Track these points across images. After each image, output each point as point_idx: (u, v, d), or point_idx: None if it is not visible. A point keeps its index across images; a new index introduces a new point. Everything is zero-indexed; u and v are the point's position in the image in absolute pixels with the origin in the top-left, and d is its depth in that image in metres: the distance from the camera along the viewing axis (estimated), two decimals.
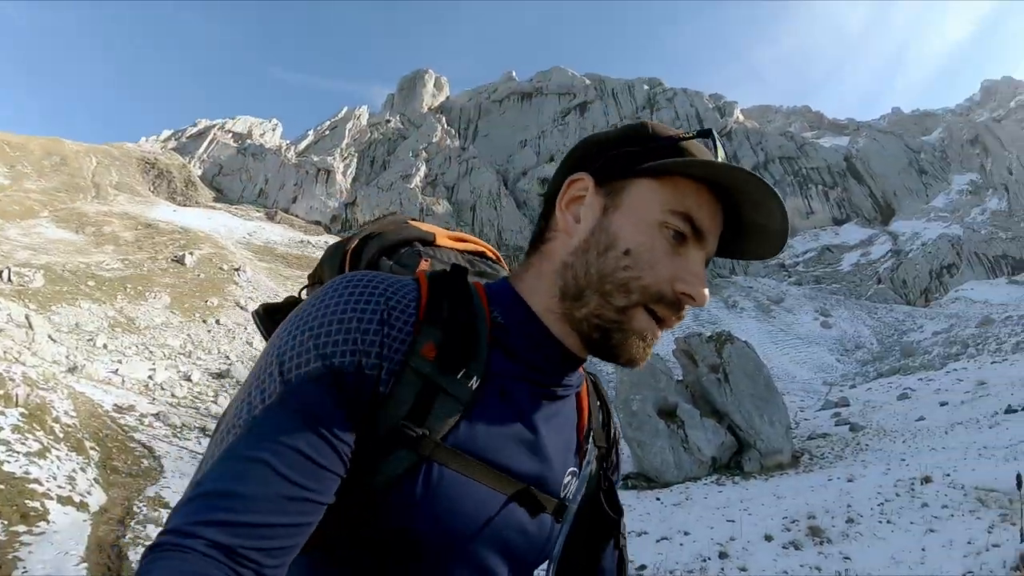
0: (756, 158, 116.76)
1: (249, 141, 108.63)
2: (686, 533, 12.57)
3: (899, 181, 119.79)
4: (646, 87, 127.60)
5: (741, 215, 0.85)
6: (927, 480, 17.23)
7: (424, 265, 0.99)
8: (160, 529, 0.67)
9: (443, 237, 1.10)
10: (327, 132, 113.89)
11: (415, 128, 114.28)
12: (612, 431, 1.07)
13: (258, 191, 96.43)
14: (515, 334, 0.86)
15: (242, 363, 27.31)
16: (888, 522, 13.52)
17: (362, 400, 0.74)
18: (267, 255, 57.10)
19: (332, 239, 76.37)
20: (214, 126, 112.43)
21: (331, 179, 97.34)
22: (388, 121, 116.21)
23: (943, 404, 32.11)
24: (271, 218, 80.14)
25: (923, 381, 42.44)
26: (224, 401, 21.62)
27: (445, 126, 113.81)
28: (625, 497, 12.94)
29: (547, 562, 0.92)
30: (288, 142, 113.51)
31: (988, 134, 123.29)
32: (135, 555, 6.64)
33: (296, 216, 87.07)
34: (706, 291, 0.83)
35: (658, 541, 12.16)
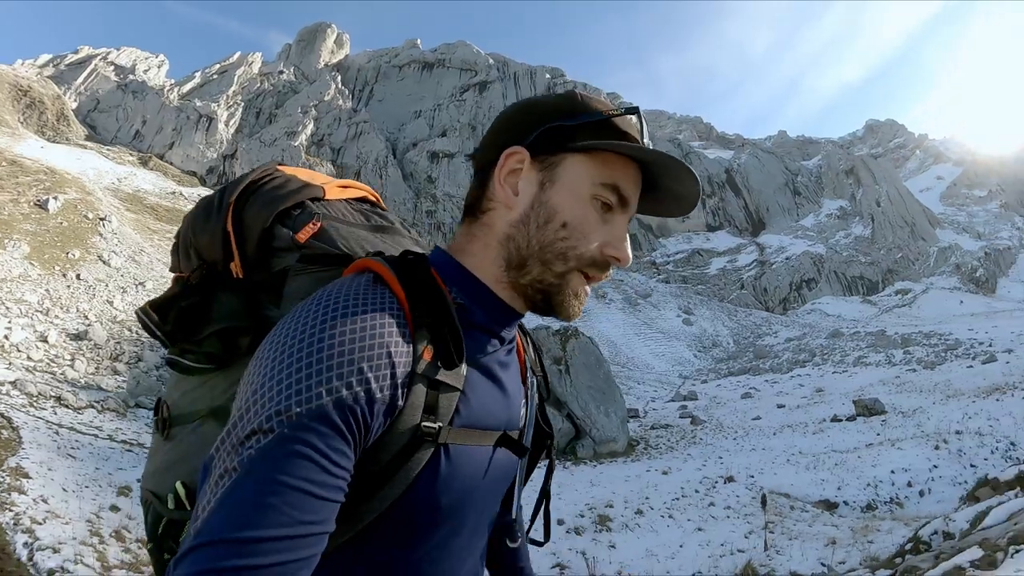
0: None
1: (132, 77, 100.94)
2: None
3: (773, 198, 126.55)
4: (548, 76, 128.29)
5: (659, 183, 0.94)
6: (730, 480, 18.36)
7: (310, 228, 1.00)
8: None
9: (331, 188, 1.11)
10: (215, 76, 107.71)
11: (308, 83, 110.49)
12: (538, 355, 1.18)
13: (134, 132, 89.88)
14: (476, 311, 0.92)
15: (100, 323, 26.82)
16: (670, 516, 14.37)
17: (371, 423, 0.75)
18: (136, 205, 54.42)
19: (206, 192, 73.89)
20: (96, 56, 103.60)
21: (213, 127, 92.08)
22: (281, 72, 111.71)
23: (780, 406, 33.86)
24: (144, 164, 75.40)
25: (768, 383, 44.98)
26: (81, 366, 21.70)
27: (339, 85, 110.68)
28: None
29: (515, 480, 1.07)
30: (173, 82, 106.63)
31: (863, 167, 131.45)
32: (2, 517, 7.95)
33: (171, 164, 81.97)
34: (629, 252, 0.92)
35: None
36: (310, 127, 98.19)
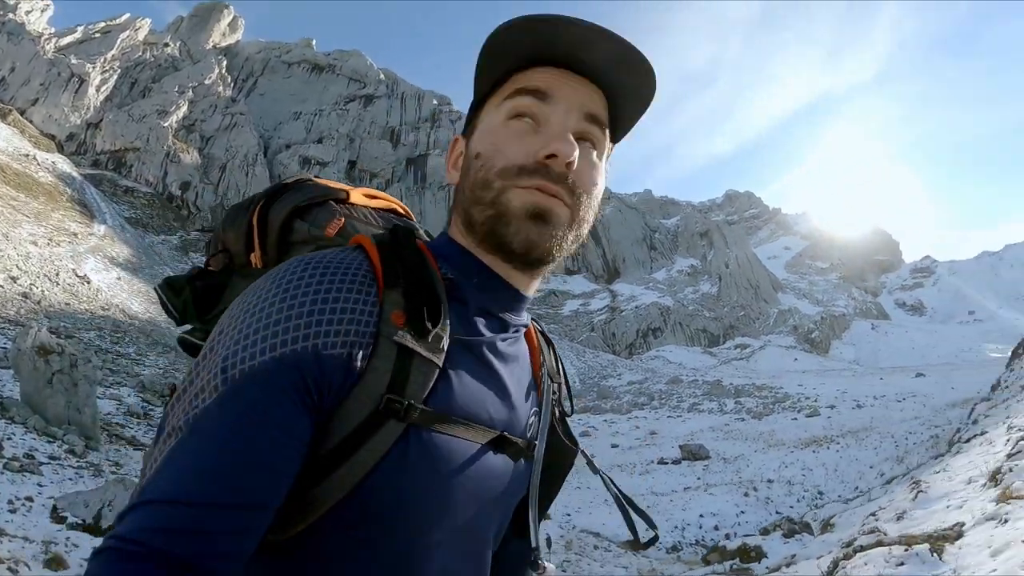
0: None
1: (11, 16, 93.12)
2: None
3: (631, 250, 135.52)
4: (435, 102, 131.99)
5: (594, 71, 0.85)
6: (546, 518, 22.85)
7: (336, 223, 0.96)
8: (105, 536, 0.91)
9: (356, 194, 1.07)
10: (98, 35, 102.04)
11: (192, 63, 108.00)
12: (560, 365, 1.11)
13: None
14: (465, 285, 0.86)
15: None
16: None
17: (326, 385, 0.70)
18: None
19: (61, 160, 74.11)
20: None
21: (83, 90, 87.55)
22: (167, 45, 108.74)
23: (614, 446, 36.34)
24: (3, 117, 72.19)
25: (607, 423, 47.08)
26: None
27: (223, 71, 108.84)
28: None
29: (527, 499, 0.94)
30: (53, 31, 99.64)
31: (717, 231, 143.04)
32: None
33: (31, 122, 78.57)
34: (570, 143, 0.81)
35: None
36: (183, 109, 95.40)
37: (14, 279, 37.05)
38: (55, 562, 6.64)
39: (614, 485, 1.09)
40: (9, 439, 16.20)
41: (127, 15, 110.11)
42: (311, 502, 0.73)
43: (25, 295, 35.61)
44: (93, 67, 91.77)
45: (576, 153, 0.82)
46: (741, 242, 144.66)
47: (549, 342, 1.11)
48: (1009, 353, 25.01)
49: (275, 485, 0.68)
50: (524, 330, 0.99)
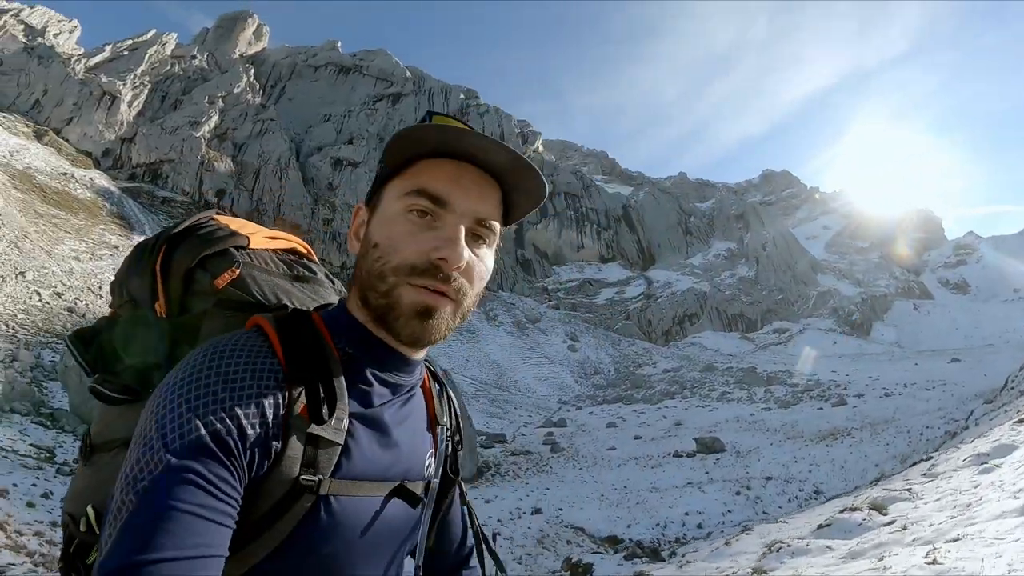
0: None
1: (40, 40, 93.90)
2: None
3: (666, 235, 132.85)
4: (462, 96, 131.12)
5: (501, 177, 0.93)
6: (538, 511, 20.09)
7: (227, 275, 1.02)
8: None
9: (258, 238, 1.13)
10: (126, 52, 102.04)
11: (220, 73, 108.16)
12: (453, 407, 1.21)
13: (34, 101, 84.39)
14: (365, 360, 0.94)
15: None
16: None
17: (246, 456, 0.80)
18: (25, 183, 53.34)
19: (99, 176, 74.25)
20: (8, 11, 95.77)
21: (115, 106, 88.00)
22: (194, 57, 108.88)
23: (637, 438, 35.88)
24: (39, 138, 72.72)
25: (636, 413, 47.05)
26: None
27: (251, 79, 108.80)
28: None
29: (423, 528, 1.04)
30: (82, 51, 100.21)
31: (753, 213, 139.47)
32: None
33: (67, 141, 78.82)
34: (460, 251, 0.89)
35: None
36: (215, 119, 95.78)
37: (59, 295, 37.30)
38: None
39: (477, 522, 1.24)
40: (60, 446, 18.03)
41: (153, 31, 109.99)
42: (250, 553, 0.84)
43: (70, 309, 35.91)
44: (123, 84, 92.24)
45: (465, 258, 0.90)
46: (778, 223, 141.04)
47: (442, 384, 1.20)
48: None
49: (221, 540, 0.75)
50: (419, 384, 1.08)
